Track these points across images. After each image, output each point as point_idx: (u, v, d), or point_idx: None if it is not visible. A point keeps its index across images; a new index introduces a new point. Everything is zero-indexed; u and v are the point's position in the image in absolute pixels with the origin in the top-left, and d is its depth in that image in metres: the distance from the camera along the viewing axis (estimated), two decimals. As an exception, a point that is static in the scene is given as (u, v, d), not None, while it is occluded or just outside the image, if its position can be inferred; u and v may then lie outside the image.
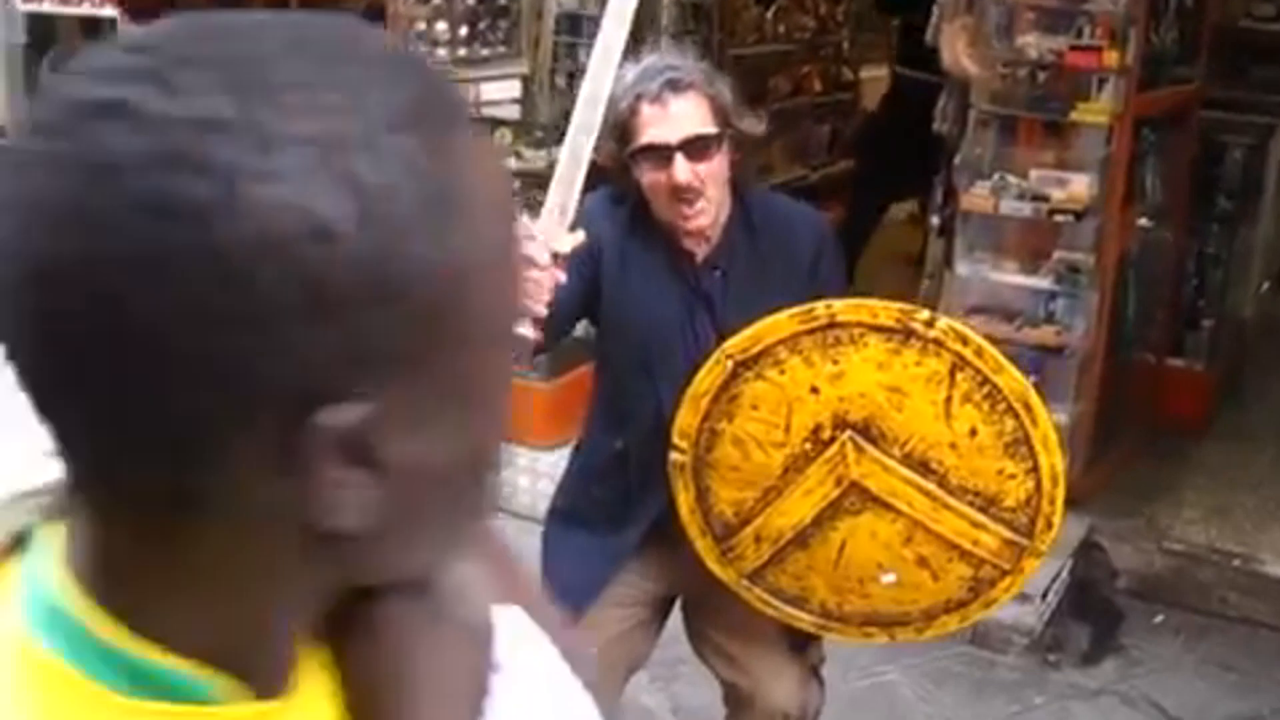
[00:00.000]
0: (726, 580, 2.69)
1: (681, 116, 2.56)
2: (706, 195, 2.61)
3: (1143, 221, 5.22)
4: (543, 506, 4.95)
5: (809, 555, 2.61)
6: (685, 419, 2.59)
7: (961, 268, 4.89)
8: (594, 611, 2.82)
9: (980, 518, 2.49)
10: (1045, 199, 4.74)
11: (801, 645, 2.94)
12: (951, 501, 2.49)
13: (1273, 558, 4.88)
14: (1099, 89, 4.63)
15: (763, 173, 7.53)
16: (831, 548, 2.60)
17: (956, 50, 5.09)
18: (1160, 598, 4.84)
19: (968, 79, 5.03)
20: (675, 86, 2.57)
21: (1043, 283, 4.83)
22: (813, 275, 2.70)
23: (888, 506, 2.53)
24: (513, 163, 5.18)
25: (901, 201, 7.89)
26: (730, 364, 2.54)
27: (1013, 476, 2.47)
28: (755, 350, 2.52)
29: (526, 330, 2.35)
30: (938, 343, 2.44)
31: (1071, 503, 4.93)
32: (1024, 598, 4.51)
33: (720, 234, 2.71)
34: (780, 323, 2.51)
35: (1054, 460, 2.48)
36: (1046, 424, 2.47)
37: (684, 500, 2.66)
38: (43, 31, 7.94)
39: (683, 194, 2.59)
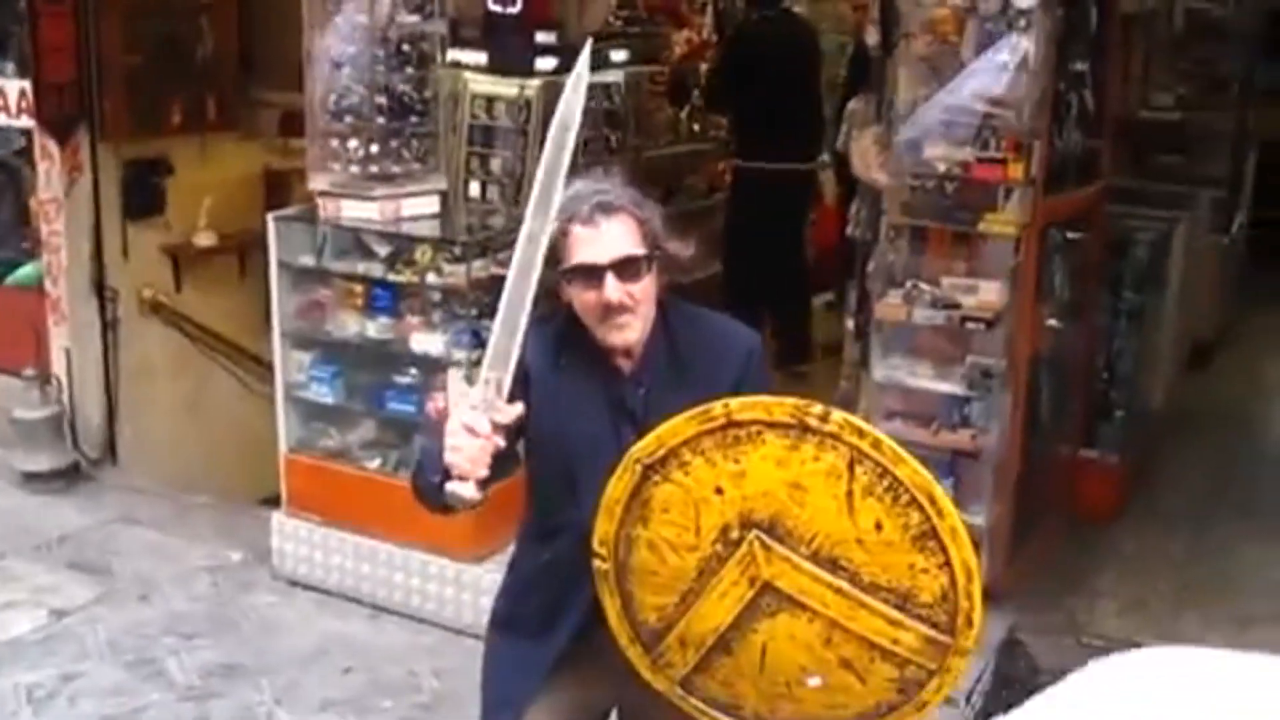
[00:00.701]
0: (662, 689, 2.68)
1: (612, 238, 2.67)
2: (636, 312, 2.71)
3: (1051, 322, 5.33)
4: (468, 618, 5.02)
5: (734, 660, 2.59)
6: (603, 527, 2.62)
7: (878, 373, 4.98)
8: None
9: (897, 615, 2.44)
10: (957, 306, 4.85)
11: None
12: (866, 599, 2.45)
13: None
14: (1006, 199, 4.75)
15: (678, 270, 7.62)
16: (754, 651, 2.57)
17: (869, 159, 5.22)
18: (1081, 694, 4.89)
19: (878, 187, 5.15)
20: (606, 209, 2.68)
21: (956, 388, 4.93)
22: (736, 390, 2.69)
23: (802, 606, 2.50)
24: (432, 278, 5.22)
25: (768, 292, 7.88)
26: (639, 468, 2.55)
27: (925, 570, 2.41)
28: (661, 453, 2.53)
29: (469, 491, 2.59)
30: (834, 436, 2.42)
31: (993, 599, 5.08)
32: (948, 700, 4.56)
33: (643, 349, 2.79)
34: (680, 425, 2.52)
35: (965, 555, 2.41)
36: (953, 515, 2.41)
37: (610, 607, 2.67)
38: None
39: (613, 312, 2.69)
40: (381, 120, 5.32)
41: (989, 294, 4.83)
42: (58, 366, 6.83)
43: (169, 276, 7.10)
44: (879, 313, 4.96)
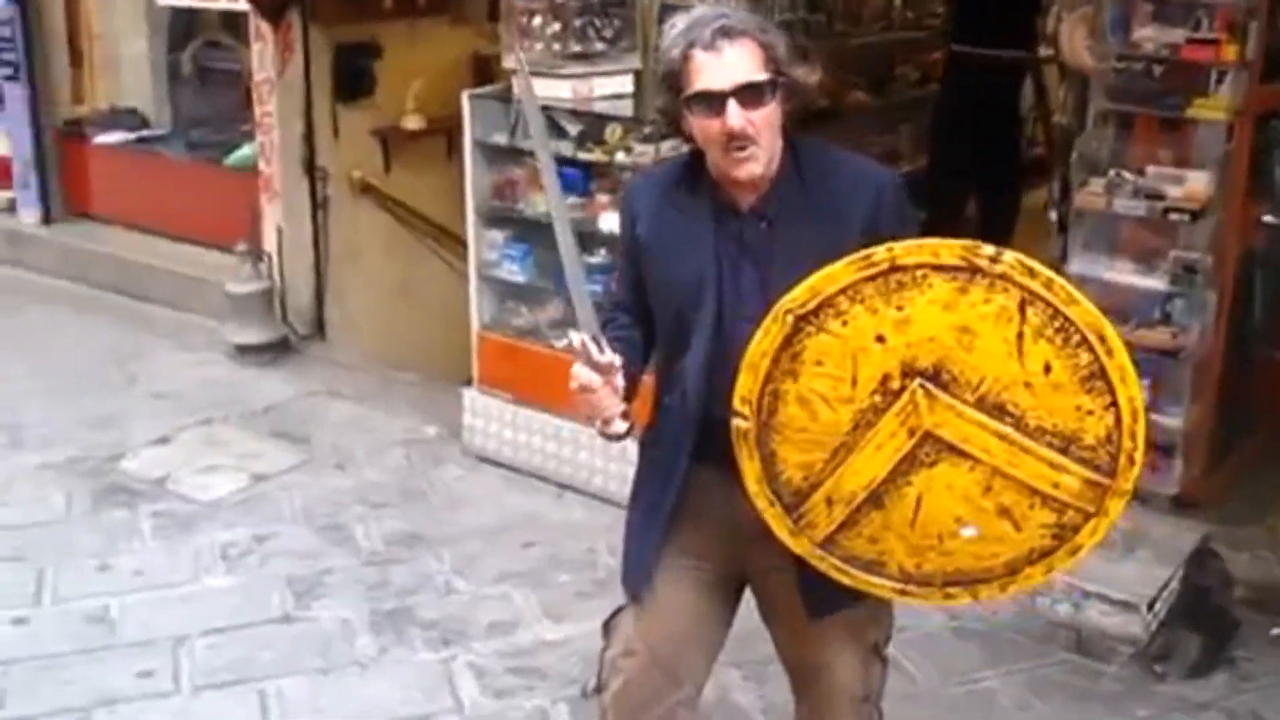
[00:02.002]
0: (799, 551, 2.62)
1: (734, 63, 2.59)
2: (759, 143, 2.62)
3: (1269, 218, 5.03)
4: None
5: (884, 515, 2.54)
6: (745, 384, 2.54)
7: (1075, 266, 4.77)
8: (655, 594, 2.86)
9: (1060, 459, 2.41)
10: (1161, 197, 4.61)
11: (862, 625, 2.90)
12: (1029, 444, 2.41)
13: (1399, 571, 4.69)
14: (1217, 84, 4.48)
15: (891, 159, 7.48)
16: (908, 505, 2.52)
17: (1076, 42, 4.98)
18: (1278, 609, 4.67)
19: (1086, 72, 4.91)
20: (728, 34, 2.59)
21: (1158, 283, 4.70)
22: (868, 228, 2.62)
23: (964, 454, 2.45)
24: (621, 157, 5.19)
25: (970, 184, 7.67)
26: (790, 319, 2.48)
27: (1091, 413, 2.39)
28: (814, 303, 2.47)
29: (617, 428, 2.68)
30: (1005, 277, 2.37)
31: (1188, 508, 4.90)
32: (1129, 606, 4.42)
33: (769, 184, 2.71)
34: (838, 271, 2.45)
35: (1133, 393, 2.38)
36: (1123, 355, 2.38)
37: (750, 470, 2.59)
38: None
39: (735, 141, 2.60)
40: (575, -2, 5.29)
41: (1196, 184, 4.57)
42: (270, 244, 7.04)
43: (378, 158, 7.25)
44: (1079, 202, 4.75)
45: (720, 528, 2.83)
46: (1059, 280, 2.38)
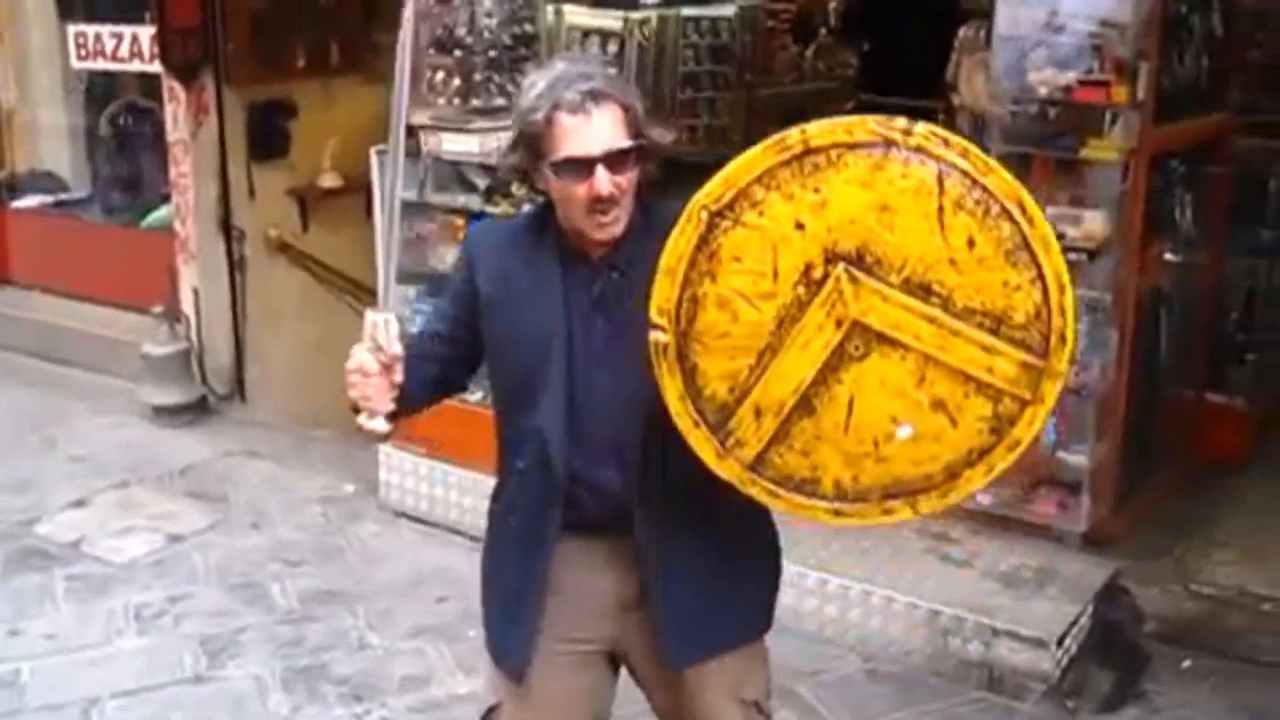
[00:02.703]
0: (729, 476, 2.49)
1: (602, 128, 2.54)
2: (621, 204, 2.60)
3: (1169, 256, 5.11)
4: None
5: (815, 422, 2.42)
6: (662, 292, 2.44)
7: (977, 307, 4.82)
8: (531, 685, 2.79)
9: (991, 340, 2.33)
10: (1060, 236, 4.64)
11: (738, 682, 2.84)
12: (959, 326, 2.33)
13: (1307, 601, 4.76)
14: (1111, 125, 4.56)
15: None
16: (839, 406, 2.41)
17: (975, 86, 5.06)
18: (1188, 642, 4.71)
19: (985, 116, 4.99)
20: (596, 97, 2.54)
21: (1059, 322, 4.75)
22: None
23: (894, 343, 2.36)
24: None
25: None
26: (705, 216, 2.39)
27: (1018, 288, 2.32)
28: (729, 195, 2.37)
29: (378, 425, 2.67)
30: (920, 150, 2.31)
31: (1097, 544, 4.95)
32: (1040, 643, 4.44)
33: (619, 236, 2.66)
34: (751, 159, 2.36)
35: (1057, 264, 2.33)
36: (1043, 224, 2.32)
37: (671, 387, 2.47)
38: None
39: (601, 204, 2.57)
40: (481, 54, 5.33)
41: (1093, 223, 4.64)
42: (187, 305, 7.01)
43: (295, 217, 7.26)
44: (977, 244, 4.80)
45: (595, 604, 2.77)
46: (974, 149, 2.34)
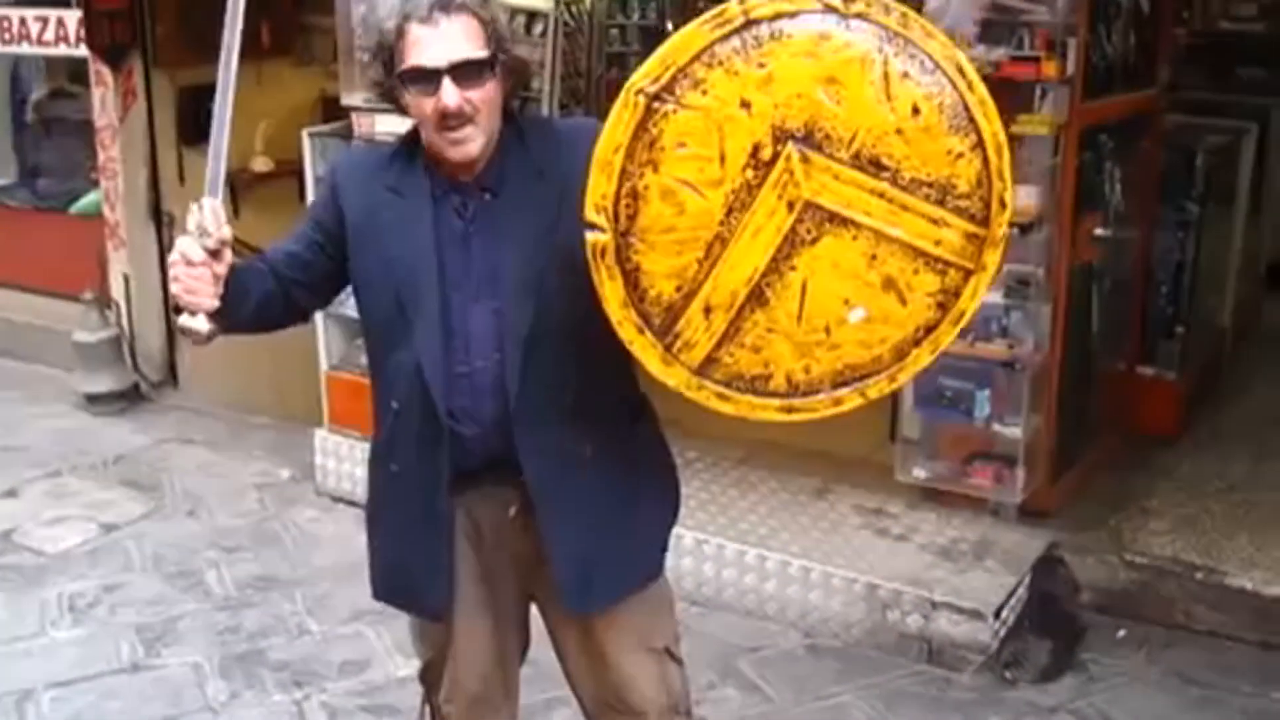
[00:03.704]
0: (674, 382, 2.42)
1: (451, 38, 2.45)
2: (476, 123, 2.50)
3: (1099, 231, 5.15)
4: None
5: (768, 313, 2.37)
6: (598, 189, 2.32)
7: (912, 283, 4.84)
8: (456, 632, 2.80)
9: (938, 211, 2.32)
10: (992, 212, 4.69)
11: (645, 630, 2.86)
12: (908, 199, 2.32)
13: (1238, 569, 4.80)
14: (1041, 100, 4.59)
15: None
16: (793, 294, 2.36)
17: (907, 64, 5.06)
18: (1123, 611, 4.77)
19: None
20: (445, 7, 2.45)
21: (994, 297, 4.78)
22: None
23: (846, 222, 2.33)
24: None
25: None
26: (642, 100, 2.28)
27: (960, 155, 2.32)
28: (667, 76, 2.27)
29: (200, 324, 2.50)
30: (861, 16, 2.28)
31: (1033, 516, 4.99)
32: (978, 615, 4.48)
33: (487, 163, 2.58)
34: (689, 36, 2.27)
35: (995, 128, 2.34)
36: (981, 89, 2.34)
37: (612, 293, 2.37)
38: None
39: (451, 120, 2.48)
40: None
41: (1025, 199, 4.65)
42: (117, 291, 6.93)
43: (227, 202, 7.14)
44: (911, 220, 4.82)
45: (501, 549, 2.75)
46: (913, 15, 2.32)
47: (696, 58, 2.28)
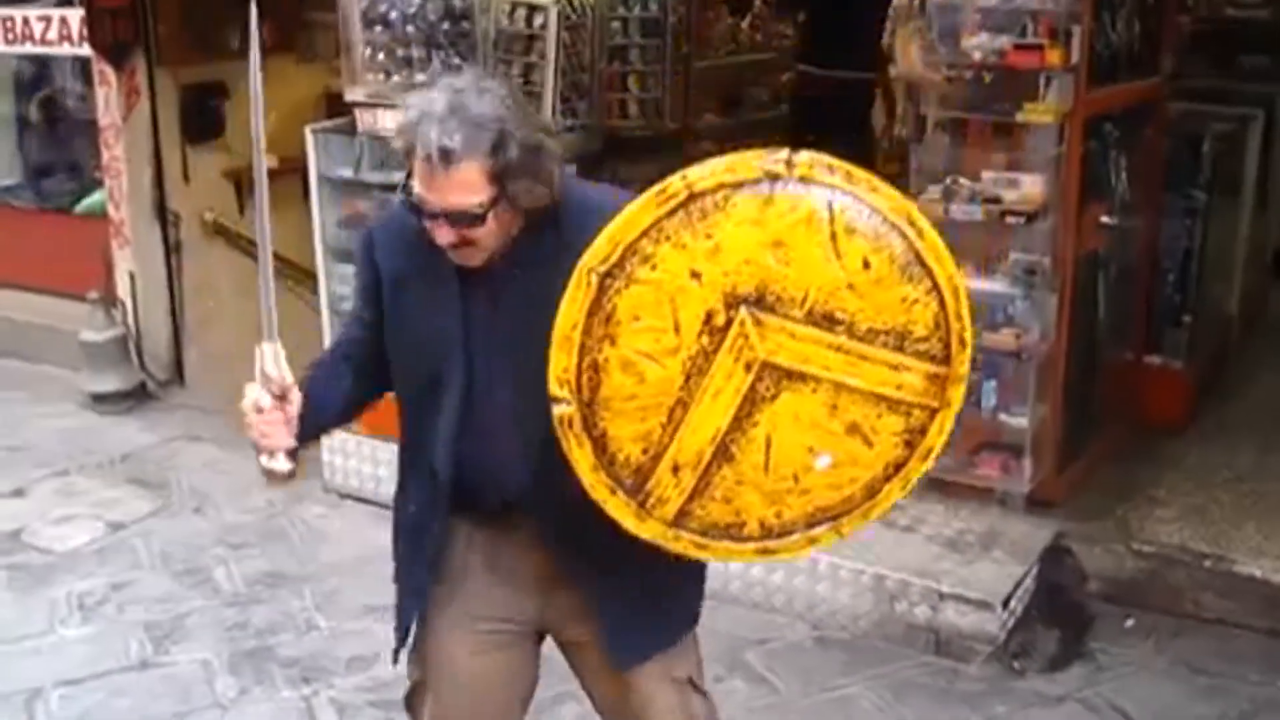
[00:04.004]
0: (652, 536, 2.45)
1: (450, 188, 2.43)
2: (477, 246, 2.50)
3: (1105, 219, 5.14)
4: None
5: (735, 468, 2.40)
6: (560, 363, 2.36)
7: (917, 274, 4.83)
8: (453, 668, 2.80)
9: (898, 358, 2.33)
10: (997, 201, 4.70)
11: (669, 664, 2.83)
12: (865, 349, 2.33)
13: (1246, 557, 4.81)
14: (1046, 88, 4.58)
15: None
16: (757, 449, 2.39)
17: (911, 54, 5.06)
18: (1131, 600, 4.77)
19: (921, 83, 5.00)
20: (446, 159, 2.40)
21: (999, 286, 4.78)
22: None
23: (804, 377, 2.35)
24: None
25: None
26: (594, 279, 2.32)
27: (916, 301, 2.32)
28: (616, 254, 2.31)
29: (280, 464, 2.54)
30: (804, 180, 2.29)
31: (1040, 505, 4.99)
32: (985, 606, 4.48)
33: (516, 239, 2.56)
34: (635, 214, 2.31)
35: (949, 271, 2.33)
36: (933, 235, 2.32)
37: (581, 458, 2.40)
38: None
39: (452, 246, 2.50)
40: (414, 29, 5.28)
41: (1030, 187, 4.67)
42: (123, 290, 6.93)
43: (231, 200, 7.17)
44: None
45: (513, 582, 2.75)
46: (858, 171, 2.31)
47: (645, 234, 2.31)
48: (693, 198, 2.31)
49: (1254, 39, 7.73)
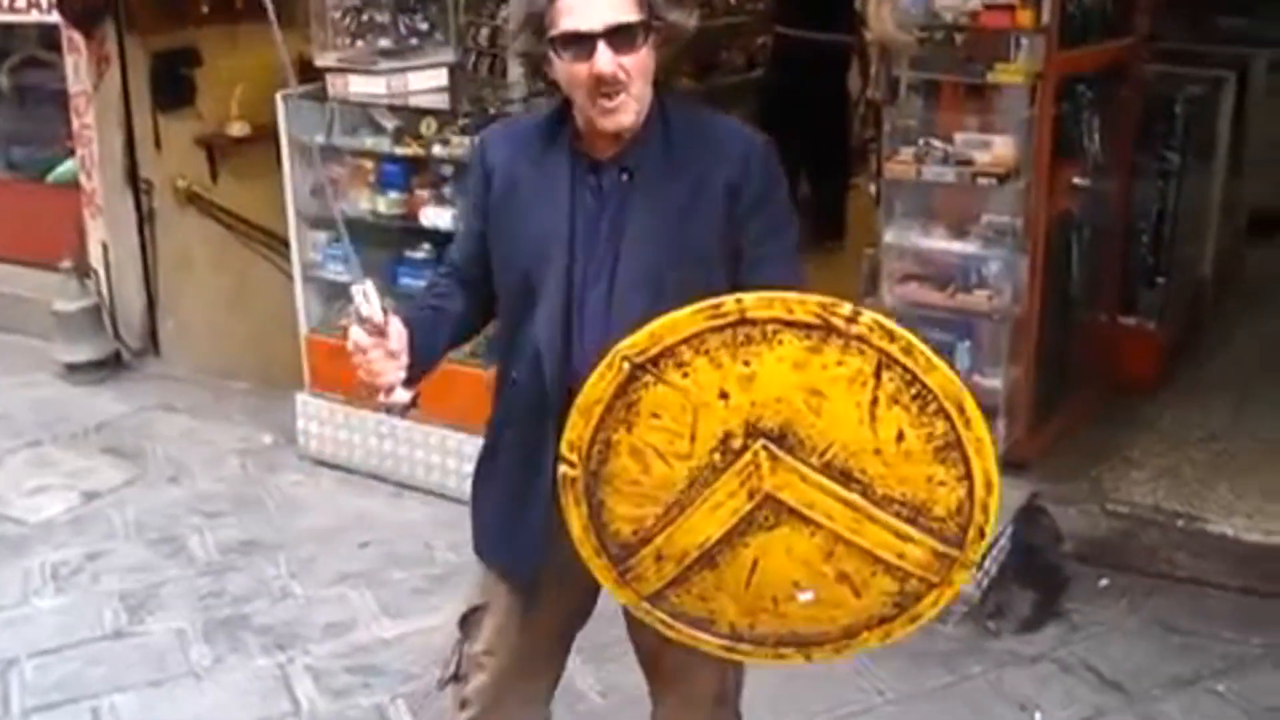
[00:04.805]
0: (624, 601, 2.51)
1: (605, 2, 2.40)
2: (630, 90, 2.44)
3: (1078, 180, 5.14)
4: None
5: (717, 576, 2.40)
6: (576, 429, 2.38)
7: (889, 235, 4.85)
8: (526, 593, 2.77)
9: (906, 529, 2.30)
10: (970, 162, 4.69)
11: None
12: (875, 512, 2.30)
13: (1219, 517, 4.84)
14: (1017, 49, 4.57)
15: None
16: (742, 566, 2.38)
17: (883, 16, 5.04)
18: (1105, 561, 4.78)
19: (893, 45, 4.98)
20: None
21: (972, 248, 4.78)
22: (734, 191, 2.52)
23: (805, 520, 2.32)
24: (438, 151, 5.16)
25: (800, 167, 7.80)
26: (627, 366, 2.32)
27: (943, 484, 2.27)
28: (654, 350, 2.30)
29: (399, 397, 2.54)
30: (861, 339, 2.23)
31: (1014, 467, 4.99)
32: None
33: (633, 136, 2.53)
34: (682, 320, 2.29)
35: (988, 465, 2.27)
36: (981, 427, 2.26)
37: (575, 518, 2.44)
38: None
39: (605, 87, 2.42)
40: (386, -8, 5.27)
41: (1002, 149, 4.66)
42: (96, 259, 6.89)
43: (204, 167, 7.14)
44: (888, 172, 4.82)
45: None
46: (919, 345, 2.25)
47: (685, 340, 2.29)
48: (743, 322, 2.27)
49: (1228, 1, 7.74)
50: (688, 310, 2.29)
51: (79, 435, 6.21)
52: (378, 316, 2.50)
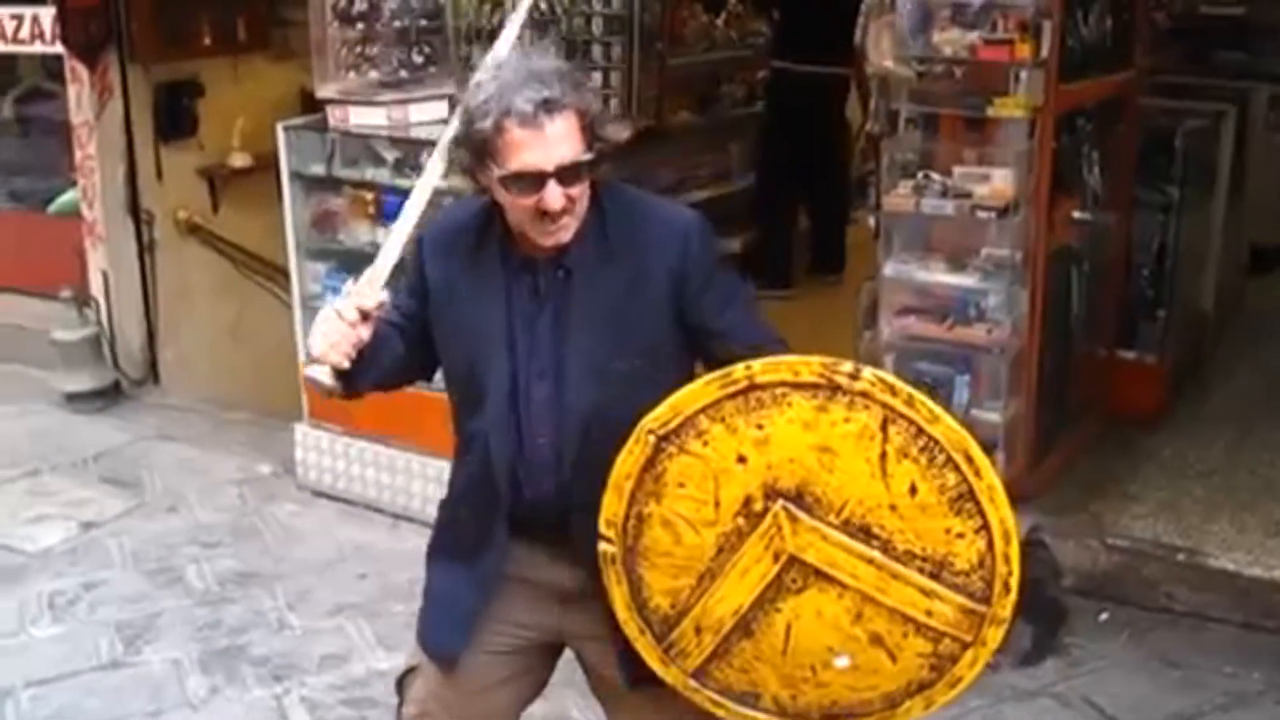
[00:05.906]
0: (673, 682, 2.54)
1: (556, 141, 2.42)
2: (573, 213, 2.50)
3: (1077, 214, 5.14)
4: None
5: (754, 644, 2.47)
6: (612, 506, 2.47)
7: (888, 269, 4.84)
8: (466, 660, 2.76)
9: (931, 585, 2.35)
10: (968, 195, 4.68)
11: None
12: (899, 569, 2.35)
13: (1220, 551, 4.82)
14: (1016, 83, 4.57)
15: (721, 178, 7.55)
16: (777, 633, 2.45)
17: (882, 49, 5.05)
18: (1105, 594, 4.77)
19: (892, 78, 4.99)
20: (549, 108, 2.40)
21: (970, 280, 4.77)
22: (676, 276, 2.55)
23: (831, 580, 2.39)
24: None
25: (800, 199, 7.84)
26: (652, 440, 2.42)
27: (961, 535, 2.32)
28: (675, 422, 2.40)
29: (325, 377, 2.55)
30: (865, 395, 2.32)
31: (1014, 500, 4.95)
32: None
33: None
34: (698, 390, 2.40)
35: (1003, 515, 2.33)
36: (991, 476, 2.33)
37: (619, 595, 2.52)
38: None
39: (552, 217, 2.47)
40: (386, 26, 5.27)
41: (1001, 182, 4.64)
42: (96, 289, 6.90)
43: (205, 198, 7.17)
44: (887, 205, 4.81)
45: (542, 593, 2.73)
46: (921, 397, 2.33)
47: (703, 410, 2.40)
48: (753, 388, 2.38)
49: (1229, 35, 7.76)
50: (701, 381, 2.42)
51: (78, 464, 6.21)
52: (374, 300, 2.57)
